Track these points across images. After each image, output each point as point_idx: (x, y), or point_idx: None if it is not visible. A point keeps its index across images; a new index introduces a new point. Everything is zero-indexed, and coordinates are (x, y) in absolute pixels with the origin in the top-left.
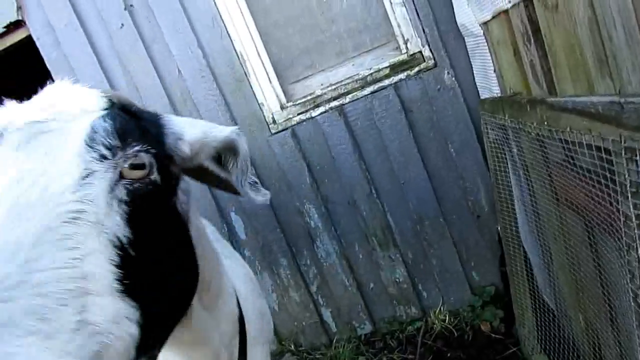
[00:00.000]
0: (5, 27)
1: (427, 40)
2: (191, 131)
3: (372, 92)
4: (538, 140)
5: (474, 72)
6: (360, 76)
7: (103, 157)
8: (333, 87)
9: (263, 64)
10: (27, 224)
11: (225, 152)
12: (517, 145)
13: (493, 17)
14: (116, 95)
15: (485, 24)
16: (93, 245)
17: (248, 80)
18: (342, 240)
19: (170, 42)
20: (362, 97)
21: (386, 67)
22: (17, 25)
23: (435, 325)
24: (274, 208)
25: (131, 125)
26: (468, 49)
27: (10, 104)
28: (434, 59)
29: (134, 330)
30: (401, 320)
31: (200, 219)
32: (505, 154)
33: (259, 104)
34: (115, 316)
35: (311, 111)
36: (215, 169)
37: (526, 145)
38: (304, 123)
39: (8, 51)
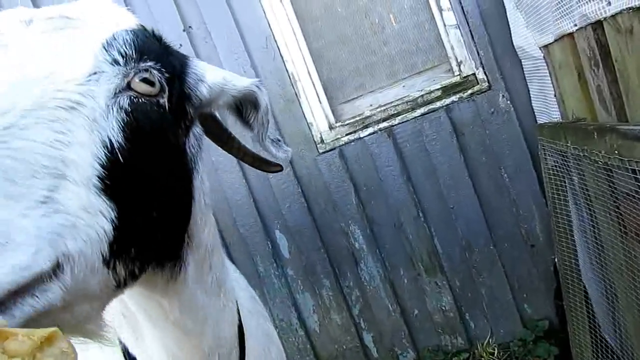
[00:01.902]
0: None
1: (481, 63)
2: (212, 75)
3: (423, 114)
4: (605, 170)
5: (531, 95)
6: (411, 98)
7: (115, 62)
8: (382, 108)
9: (313, 84)
10: (26, 94)
11: (246, 105)
12: (578, 174)
13: (555, 40)
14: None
15: (545, 47)
16: (82, 138)
17: (298, 100)
18: (386, 264)
19: (225, 62)
20: (412, 118)
21: (438, 89)
22: None
23: (482, 358)
24: (318, 228)
25: (153, 47)
26: (525, 72)
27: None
28: (488, 82)
29: (106, 225)
30: (446, 351)
31: (207, 182)
32: (565, 182)
33: (307, 124)
34: (88, 206)
35: (360, 132)
36: (234, 120)
37: (590, 173)
38: (352, 143)
39: None
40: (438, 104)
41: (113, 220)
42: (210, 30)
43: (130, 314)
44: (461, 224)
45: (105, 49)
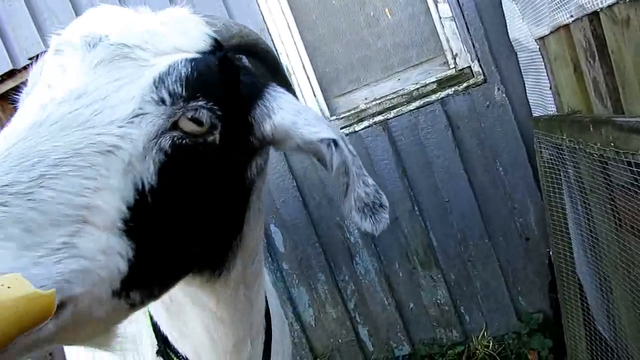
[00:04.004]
0: None
1: (476, 55)
2: (284, 115)
3: (418, 107)
4: (600, 162)
5: (527, 88)
6: (406, 91)
7: (161, 101)
8: (378, 101)
9: (308, 77)
10: (62, 141)
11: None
12: (573, 166)
13: (551, 32)
14: (241, 33)
15: (541, 39)
16: (113, 182)
17: (293, 93)
18: (382, 258)
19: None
20: (407, 112)
21: (433, 82)
22: None
23: (477, 351)
24: (313, 222)
25: (211, 80)
26: (521, 65)
27: (123, 11)
28: (484, 75)
29: (122, 265)
30: (441, 344)
31: (264, 189)
32: (560, 175)
33: None
34: (106, 249)
35: (355, 125)
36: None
37: (585, 166)
38: (347, 137)
39: None
40: (433, 97)
41: (130, 260)
42: None
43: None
44: (456, 218)
45: (155, 86)
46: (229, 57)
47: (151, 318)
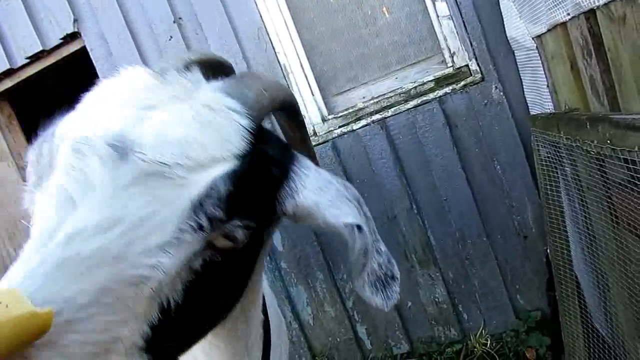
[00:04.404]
0: (62, 38)
1: (474, 54)
2: (307, 195)
3: (416, 106)
4: (597, 160)
5: (524, 86)
6: (404, 90)
7: (199, 228)
8: (375, 100)
9: (306, 76)
10: (91, 281)
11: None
12: (571, 164)
13: (548, 30)
14: (273, 97)
15: (538, 37)
16: (140, 310)
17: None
18: None
19: (217, 54)
20: (405, 110)
21: (431, 81)
22: (72, 37)
23: (476, 349)
24: None
25: (250, 191)
26: (518, 63)
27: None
28: (481, 73)
29: None
30: (439, 342)
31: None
32: (557, 173)
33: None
34: None
35: (352, 124)
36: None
37: (582, 164)
38: (345, 136)
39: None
40: (431, 96)
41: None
42: (201, 21)
43: None
44: (454, 216)
45: (193, 211)
46: (262, 152)
47: None
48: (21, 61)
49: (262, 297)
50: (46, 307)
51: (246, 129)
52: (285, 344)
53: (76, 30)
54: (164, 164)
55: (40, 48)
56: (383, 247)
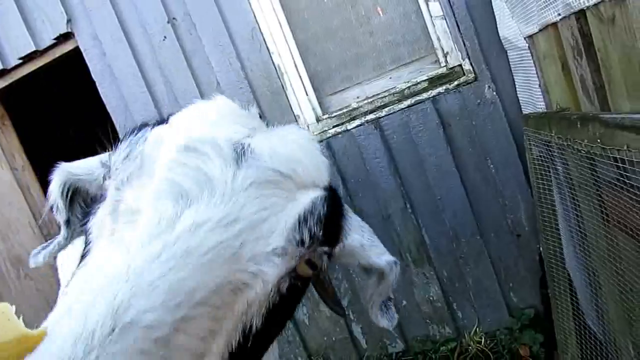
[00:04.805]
0: (55, 38)
1: (467, 54)
2: (354, 237)
3: (410, 106)
4: (588, 159)
5: (517, 86)
6: (398, 89)
7: (301, 242)
8: (370, 100)
9: (300, 76)
10: (210, 276)
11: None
12: (562, 163)
13: (540, 30)
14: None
15: (530, 37)
16: (229, 326)
17: (285, 92)
18: None
19: (210, 55)
20: (398, 110)
21: (424, 81)
22: (66, 37)
23: (470, 347)
24: None
25: (337, 221)
26: (510, 63)
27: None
28: (475, 73)
29: None
30: (434, 340)
31: None
32: (549, 172)
33: (294, 116)
34: None
35: (347, 124)
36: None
37: (573, 163)
38: (339, 136)
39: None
40: (425, 96)
41: None
42: (195, 21)
43: None
44: (448, 215)
45: (299, 225)
46: (334, 188)
47: None
48: (14, 62)
49: None
50: (169, 297)
51: (327, 165)
52: (274, 348)
53: (69, 30)
54: (280, 172)
55: (34, 48)
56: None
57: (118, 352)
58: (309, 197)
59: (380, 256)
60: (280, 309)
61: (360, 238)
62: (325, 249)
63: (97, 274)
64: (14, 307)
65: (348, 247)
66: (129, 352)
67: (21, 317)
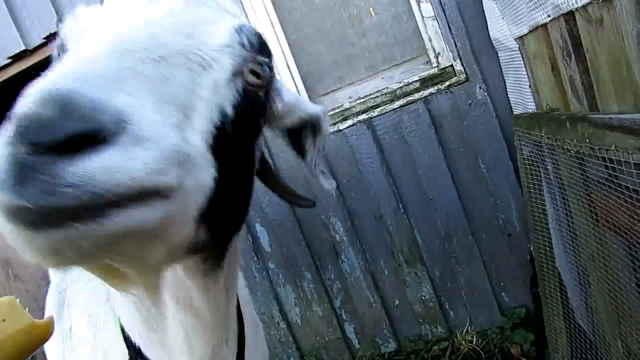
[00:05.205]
0: (44, 38)
1: (458, 54)
2: (288, 93)
3: (402, 106)
4: (577, 158)
5: (507, 87)
6: (390, 90)
7: (242, 45)
8: (362, 100)
9: (292, 76)
10: (176, 40)
11: (307, 128)
12: (552, 163)
13: (530, 32)
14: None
15: (520, 39)
16: (206, 95)
17: None
18: (367, 256)
19: None
20: (390, 110)
21: (416, 81)
22: (55, 36)
23: (462, 346)
24: (299, 221)
25: (266, 47)
26: (501, 64)
27: None
28: (466, 73)
29: (209, 181)
30: (426, 340)
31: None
32: (540, 171)
33: None
34: (204, 154)
35: (339, 124)
36: (289, 144)
37: (563, 162)
38: (332, 136)
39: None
40: (416, 96)
41: (215, 179)
42: None
43: (150, 298)
44: (440, 215)
45: (237, 32)
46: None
47: (122, 328)
48: (3, 61)
49: (236, 295)
50: (149, 50)
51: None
52: (263, 353)
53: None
54: None
55: (23, 48)
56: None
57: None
58: (239, 19)
59: (315, 107)
60: (244, 114)
61: (292, 94)
62: (265, 59)
63: None
64: (18, 299)
65: (287, 104)
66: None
67: (27, 309)
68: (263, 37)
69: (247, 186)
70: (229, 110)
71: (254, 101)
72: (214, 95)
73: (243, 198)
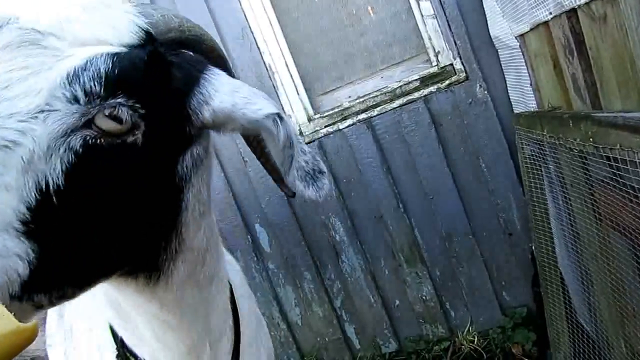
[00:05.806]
0: None
1: (458, 53)
2: (222, 98)
3: (401, 105)
4: (580, 157)
5: (508, 85)
6: (389, 89)
7: (74, 100)
8: (361, 99)
9: (291, 76)
10: None
11: (263, 135)
12: (554, 162)
13: (531, 29)
14: (181, 27)
15: (521, 37)
16: (9, 180)
17: (276, 92)
18: (367, 256)
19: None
20: (390, 110)
21: (416, 80)
22: None
23: (463, 346)
24: (298, 221)
25: (135, 77)
26: (502, 62)
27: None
28: (466, 72)
29: (21, 268)
30: (427, 340)
31: (206, 192)
32: (541, 170)
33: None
34: (1, 249)
35: (339, 123)
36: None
37: (565, 161)
38: (331, 135)
39: None
40: (416, 95)
41: (32, 262)
42: None
43: (115, 297)
44: (441, 214)
45: (68, 82)
46: (159, 51)
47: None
48: None
49: (228, 284)
50: None
51: (140, 28)
52: (267, 348)
53: None
54: (39, 31)
55: None
56: (307, 148)
57: None
58: (86, 54)
59: (257, 111)
60: (102, 169)
61: (230, 98)
62: (130, 103)
63: None
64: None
65: (219, 110)
66: None
67: (13, 313)
68: (132, 59)
69: (141, 215)
70: (59, 180)
71: (119, 148)
72: (23, 176)
73: (133, 231)
